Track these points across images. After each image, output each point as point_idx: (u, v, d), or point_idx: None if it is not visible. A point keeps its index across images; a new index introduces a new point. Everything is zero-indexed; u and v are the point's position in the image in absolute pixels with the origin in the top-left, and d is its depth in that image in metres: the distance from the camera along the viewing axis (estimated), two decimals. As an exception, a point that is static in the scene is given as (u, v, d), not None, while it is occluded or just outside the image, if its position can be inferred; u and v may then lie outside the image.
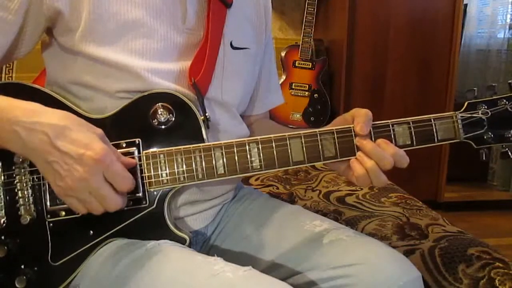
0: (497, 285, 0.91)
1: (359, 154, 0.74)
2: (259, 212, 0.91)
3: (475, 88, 0.78)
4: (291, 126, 2.29)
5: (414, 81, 2.43)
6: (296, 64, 2.35)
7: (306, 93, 2.34)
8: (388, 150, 0.73)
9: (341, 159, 0.76)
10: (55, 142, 0.63)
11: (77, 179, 0.64)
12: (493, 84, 0.78)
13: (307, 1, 2.36)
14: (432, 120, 0.76)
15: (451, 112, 0.77)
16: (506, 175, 3.06)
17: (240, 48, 0.88)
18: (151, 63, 0.76)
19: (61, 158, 0.63)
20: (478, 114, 0.76)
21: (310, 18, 2.35)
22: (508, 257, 0.98)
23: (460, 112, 0.77)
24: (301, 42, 2.34)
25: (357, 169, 0.74)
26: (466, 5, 3.01)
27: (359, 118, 0.74)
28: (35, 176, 0.74)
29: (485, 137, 0.77)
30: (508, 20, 3.08)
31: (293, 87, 2.34)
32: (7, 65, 1.87)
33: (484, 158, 0.78)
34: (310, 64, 2.35)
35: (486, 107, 0.76)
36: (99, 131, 0.68)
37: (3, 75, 1.88)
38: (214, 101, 0.84)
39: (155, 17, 0.77)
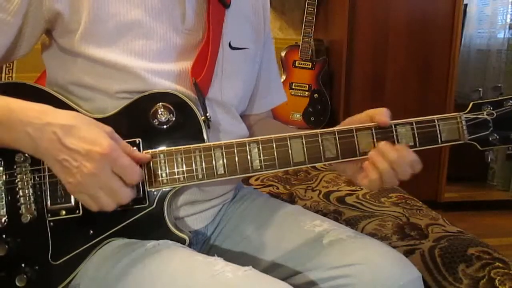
0: (497, 285, 0.91)
1: (372, 155, 0.73)
2: (259, 212, 0.91)
3: (480, 89, 0.76)
4: (291, 126, 2.29)
5: (414, 81, 2.43)
6: (296, 64, 2.35)
7: (306, 93, 2.35)
8: (408, 157, 0.72)
9: (342, 160, 0.75)
10: (64, 141, 0.64)
11: (86, 175, 0.64)
12: (499, 85, 0.76)
13: (307, 1, 2.36)
14: (436, 121, 0.75)
15: (456, 113, 0.75)
16: (506, 175, 3.06)
17: (239, 48, 0.88)
18: (151, 64, 0.76)
19: (70, 156, 0.64)
20: (483, 115, 0.75)
21: (310, 18, 2.35)
22: (508, 257, 0.98)
23: (464, 113, 0.75)
24: (301, 42, 2.35)
25: (371, 174, 0.73)
26: (466, 5, 3.00)
27: (380, 114, 0.74)
28: (36, 175, 0.74)
29: (490, 138, 0.75)
30: (508, 20, 3.08)
31: (293, 87, 2.34)
32: (7, 65, 1.87)
33: (489, 160, 0.77)
34: (310, 64, 2.35)
35: (491, 108, 0.75)
36: (108, 128, 0.69)
37: (3, 75, 1.88)
38: (214, 101, 0.84)
39: (154, 18, 0.77)
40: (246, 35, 0.91)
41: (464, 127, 0.75)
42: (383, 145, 0.73)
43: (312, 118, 2.34)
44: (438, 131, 0.75)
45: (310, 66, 2.35)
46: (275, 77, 1.06)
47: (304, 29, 2.35)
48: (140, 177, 0.70)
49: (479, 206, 2.82)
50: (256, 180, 1.62)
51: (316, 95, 2.34)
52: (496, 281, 0.91)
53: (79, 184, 0.65)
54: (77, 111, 0.75)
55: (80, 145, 0.64)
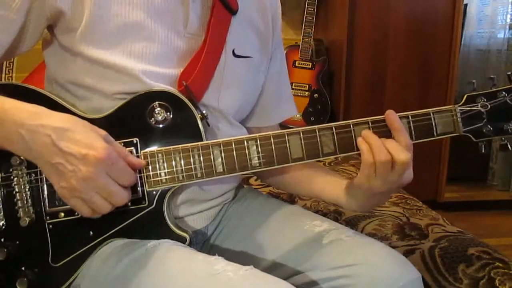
0: (497, 285, 0.91)
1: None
2: (259, 212, 0.91)
3: (474, 81, 0.77)
4: (291, 126, 2.29)
5: (414, 81, 2.43)
6: (296, 64, 2.35)
7: (306, 93, 2.35)
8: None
9: (340, 155, 0.75)
10: (58, 144, 0.63)
11: (82, 179, 0.64)
12: (492, 76, 0.76)
13: (307, 1, 2.36)
14: (431, 113, 0.75)
15: (450, 106, 0.76)
16: (506, 175, 3.06)
17: (243, 57, 0.86)
18: (150, 66, 0.76)
19: (65, 159, 0.64)
20: (478, 107, 0.75)
21: (310, 18, 2.35)
22: (508, 257, 0.98)
23: (459, 105, 0.75)
24: (301, 42, 2.35)
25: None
26: (466, 5, 3.00)
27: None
28: (32, 178, 0.73)
29: (484, 130, 0.75)
30: (508, 20, 3.08)
31: (293, 87, 2.34)
32: (7, 65, 1.87)
33: (483, 151, 0.77)
34: (310, 64, 2.35)
35: (485, 99, 0.75)
36: (103, 132, 0.68)
37: (3, 75, 1.88)
38: (210, 107, 0.82)
39: (156, 20, 0.77)
40: (252, 43, 0.89)
41: (459, 119, 0.75)
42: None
43: (312, 118, 2.34)
44: (433, 124, 0.75)
45: (310, 66, 2.35)
46: (285, 88, 1.01)
47: (304, 29, 2.35)
48: (135, 179, 0.70)
49: (479, 206, 2.82)
50: (256, 180, 1.62)
51: (316, 95, 2.34)
52: (496, 281, 0.91)
53: (73, 189, 0.65)
54: (72, 111, 0.75)
55: (76, 149, 0.64)
